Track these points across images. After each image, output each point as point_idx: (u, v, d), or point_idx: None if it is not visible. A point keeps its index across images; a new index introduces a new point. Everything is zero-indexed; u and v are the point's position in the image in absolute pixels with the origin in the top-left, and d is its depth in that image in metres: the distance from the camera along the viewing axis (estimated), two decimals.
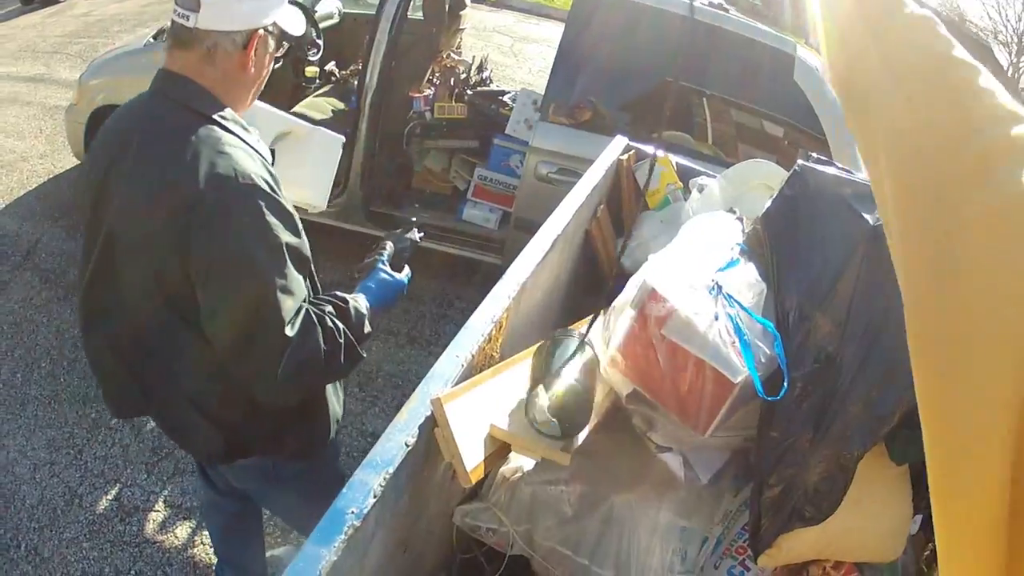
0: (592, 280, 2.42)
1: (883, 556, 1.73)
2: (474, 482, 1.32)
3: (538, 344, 1.61)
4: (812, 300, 1.52)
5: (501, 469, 1.76)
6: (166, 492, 3.05)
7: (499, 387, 1.47)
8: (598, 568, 1.71)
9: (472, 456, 1.33)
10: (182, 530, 2.91)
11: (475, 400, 1.38)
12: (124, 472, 3.10)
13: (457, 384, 1.38)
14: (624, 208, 2.62)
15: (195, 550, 2.86)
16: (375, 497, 1.14)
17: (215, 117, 1.57)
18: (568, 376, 1.46)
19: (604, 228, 2.43)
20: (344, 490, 1.13)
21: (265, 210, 1.49)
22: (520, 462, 1.75)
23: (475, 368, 1.48)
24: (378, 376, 3.77)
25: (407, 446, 1.22)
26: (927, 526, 2.05)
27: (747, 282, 1.57)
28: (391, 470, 1.18)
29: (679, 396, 1.45)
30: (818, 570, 1.73)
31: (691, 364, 1.42)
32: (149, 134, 1.57)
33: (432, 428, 1.31)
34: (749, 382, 1.39)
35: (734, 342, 1.40)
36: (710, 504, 1.70)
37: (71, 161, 5.30)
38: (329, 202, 3.25)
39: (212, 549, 2.73)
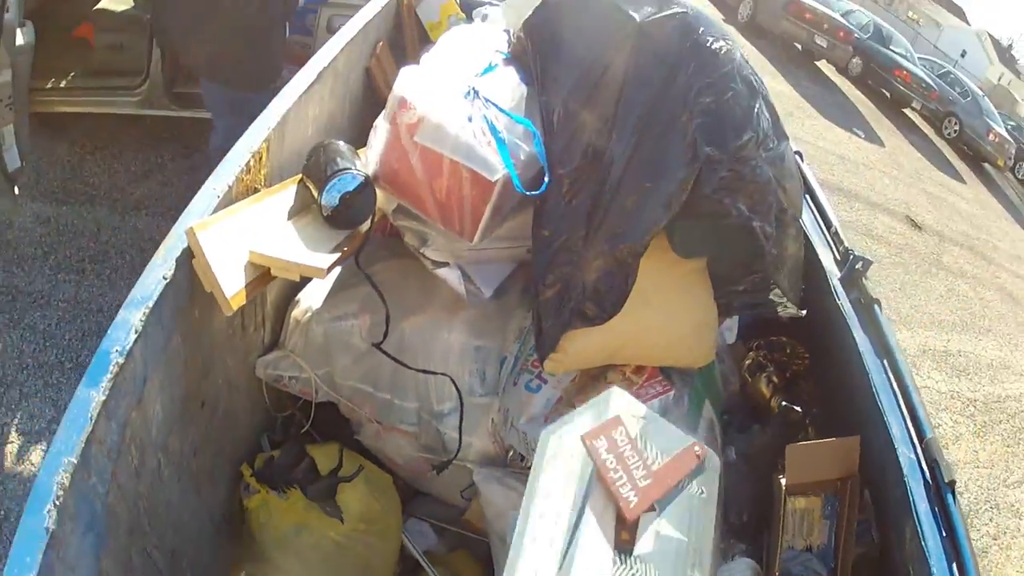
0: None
1: (690, 360, 1.71)
2: (235, 308, 1.29)
3: (312, 147, 1.58)
4: (578, 98, 1.50)
5: (293, 313, 1.72)
6: (16, 421, 2.86)
7: (259, 214, 1.42)
8: (400, 400, 1.70)
9: (231, 283, 1.29)
10: (36, 455, 2.74)
11: (233, 228, 1.34)
12: None
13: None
14: (408, 46, 2.61)
15: None
16: (136, 332, 1.13)
17: None
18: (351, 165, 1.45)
19: (386, 65, 2.39)
20: (108, 331, 1.12)
21: None
22: (310, 303, 1.70)
23: (234, 200, 1.41)
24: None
25: (165, 279, 1.20)
26: (746, 334, 2.08)
27: (508, 85, 1.55)
28: (150, 304, 1.16)
29: (439, 203, 1.44)
30: (617, 375, 1.71)
31: (446, 168, 1.40)
32: None
33: (190, 261, 1.27)
34: (511, 182, 1.37)
35: (490, 142, 1.37)
36: (500, 320, 1.70)
37: None
38: (132, 91, 3.28)
39: None
